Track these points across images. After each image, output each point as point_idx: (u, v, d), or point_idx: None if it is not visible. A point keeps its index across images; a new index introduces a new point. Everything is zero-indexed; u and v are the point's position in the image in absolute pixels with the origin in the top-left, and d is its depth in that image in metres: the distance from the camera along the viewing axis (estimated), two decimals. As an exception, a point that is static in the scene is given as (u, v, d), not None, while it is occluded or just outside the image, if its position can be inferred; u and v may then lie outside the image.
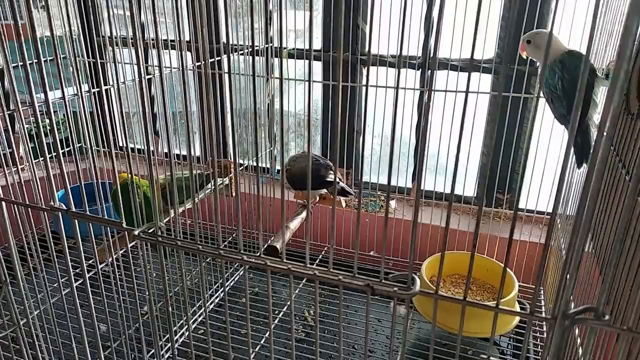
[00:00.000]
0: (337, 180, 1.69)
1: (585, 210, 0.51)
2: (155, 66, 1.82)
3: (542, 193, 1.81)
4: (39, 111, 0.83)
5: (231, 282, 1.98)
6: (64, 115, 2.19)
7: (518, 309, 1.61)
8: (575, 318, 0.54)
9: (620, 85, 0.45)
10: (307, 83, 2.05)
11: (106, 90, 2.08)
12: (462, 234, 1.96)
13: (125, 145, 0.88)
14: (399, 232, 2.06)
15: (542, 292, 1.82)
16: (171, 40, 1.95)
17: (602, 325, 0.53)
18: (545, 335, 1.57)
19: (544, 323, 1.52)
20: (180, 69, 1.83)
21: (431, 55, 0.49)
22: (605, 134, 0.47)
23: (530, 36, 1.27)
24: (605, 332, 0.89)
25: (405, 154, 2.12)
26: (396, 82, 0.55)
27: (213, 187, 1.64)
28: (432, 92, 0.56)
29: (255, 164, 2.12)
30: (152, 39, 1.88)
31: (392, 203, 2.13)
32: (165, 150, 2.31)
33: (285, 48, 2.06)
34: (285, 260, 0.68)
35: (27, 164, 1.11)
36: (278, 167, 2.06)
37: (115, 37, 1.81)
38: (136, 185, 1.36)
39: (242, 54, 1.94)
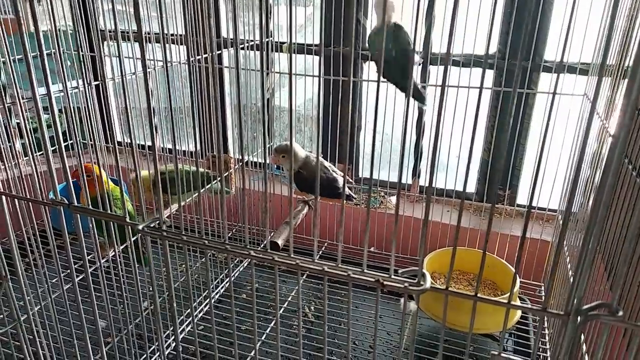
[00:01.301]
0: (344, 184, 1.68)
1: (599, 213, 0.50)
2: (158, 60, 1.81)
3: (539, 189, 1.80)
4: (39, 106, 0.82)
5: (232, 277, 1.97)
6: (60, 110, 2.16)
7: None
8: (588, 314, 0.54)
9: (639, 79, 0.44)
10: (305, 78, 2.03)
11: (104, 84, 2.06)
12: (462, 230, 1.96)
13: (126, 139, 0.87)
14: (399, 227, 2.05)
15: (541, 287, 1.83)
16: (171, 34, 1.93)
17: (616, 322, 0.53)
18: (546, 331, 1.57)
19: (545, 318, 1.52)
20: (182, 63, 1.81)
21: (447, 50, 0.48)
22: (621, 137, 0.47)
23: None
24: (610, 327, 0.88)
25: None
26: (409, 79, 0.54)
27: (219, 183, 1.63)
28: (445, 89, 0.56)
29: (254, 159, 2.11)
30: (149, 33, 1.86)
31: (392, 199, 2.13)
32: (162, 145, 2.29)
33: (285, 43, 2.04)
34: (292, 256, 0.67)
35: (27, 157, 1.09)
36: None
37: (114, 32, 1.79)
38: (114, 196, 1.40)
39: (241, 49, 1.93)
